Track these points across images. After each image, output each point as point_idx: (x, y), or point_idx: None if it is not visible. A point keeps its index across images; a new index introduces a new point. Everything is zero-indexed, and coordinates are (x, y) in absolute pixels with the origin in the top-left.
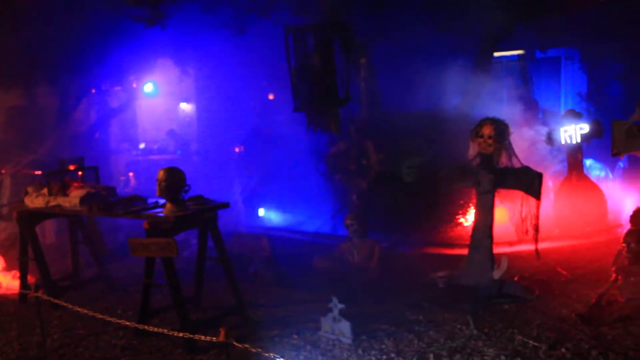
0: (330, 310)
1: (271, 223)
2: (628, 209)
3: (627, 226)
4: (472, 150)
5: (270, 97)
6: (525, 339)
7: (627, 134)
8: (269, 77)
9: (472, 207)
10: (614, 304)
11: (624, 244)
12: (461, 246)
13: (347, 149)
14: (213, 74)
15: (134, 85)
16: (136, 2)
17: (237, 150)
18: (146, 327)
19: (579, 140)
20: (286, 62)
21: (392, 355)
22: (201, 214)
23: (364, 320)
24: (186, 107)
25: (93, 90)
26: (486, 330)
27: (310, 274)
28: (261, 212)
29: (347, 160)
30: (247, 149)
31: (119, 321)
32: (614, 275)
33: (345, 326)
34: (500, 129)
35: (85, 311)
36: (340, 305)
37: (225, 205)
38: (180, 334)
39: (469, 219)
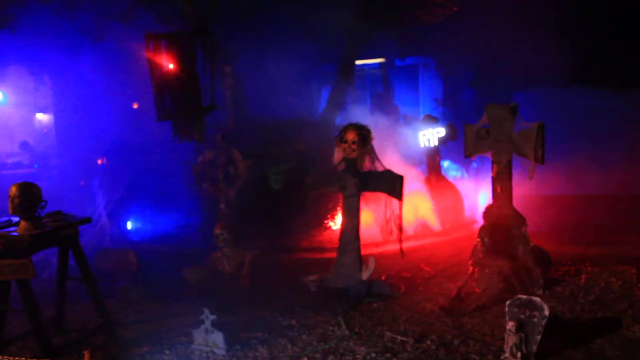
0: (202, 322)
1: (139, 236)
2: (481, 206)
3: (481, 222)
4: (337, 155)
5: (135, 106)
6: (393, 335)
7: (477, 137)
8: (132, 86)
9: (340, 211)
10: (472, 295)
11: (478, 239)
12: (330, 250)
13: (213, 158)
14: (72, 83)
15: None
16: None
17: (99, 162)
18: (1, 356)
19: (436, 143)
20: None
21: None
22: (60, 231)
23: (237, 329)
24: (43, 118)
25: None
26: (357, 330)
27: (181, 286)
28: (128, 225)
29: (215, 169)
30: (111, 161)
31: None
32: (471, 268)
33: (218, 337)
34: (363, 134)
35: None
36: (212, 317)
37: (87, 220)
38: None
39: (337, 222)
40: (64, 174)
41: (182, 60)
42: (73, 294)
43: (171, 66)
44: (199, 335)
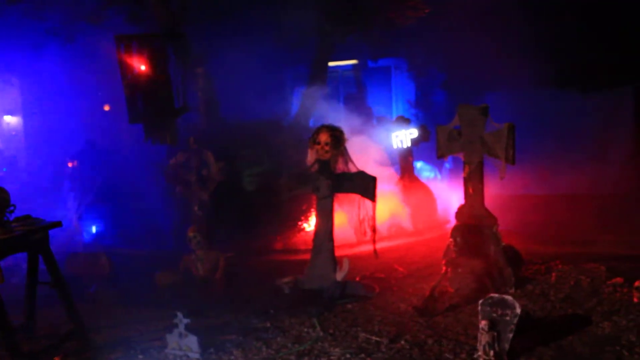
0: (176, 325)
1: (111, 240)
2: (454, 206)
3: (454, 222)
4: (310, 156)
5: (106, 108)
6: (368, 336)
7: (449, 138)
8: (104, 88)
9: (314, 213)
10: (445, 294)
11: (451, 239)
12: (304, 251)
13: (186, 160)
14: (41, 85)
15: None
16: None
17: (70, 165)
18: None
19: (409, 144)
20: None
21: None
22: (30, 236)
23: (211, 332)
24: (11, 120)
25: None
26: (331, 331)
27: (155, 290)
28: (100, 229)
29: (187, 171)
30: (82, 163)
31: None
32: (444, 268)
33: (192, 341)
34: (336, 135)
35: None
36: (186, 320)
37: (57, 224)
38: None
39: (311, 224)
40: (34, 177)
41: (154, 61)
42: (44, 299)
43: (143, 68)
44: (172, 340)
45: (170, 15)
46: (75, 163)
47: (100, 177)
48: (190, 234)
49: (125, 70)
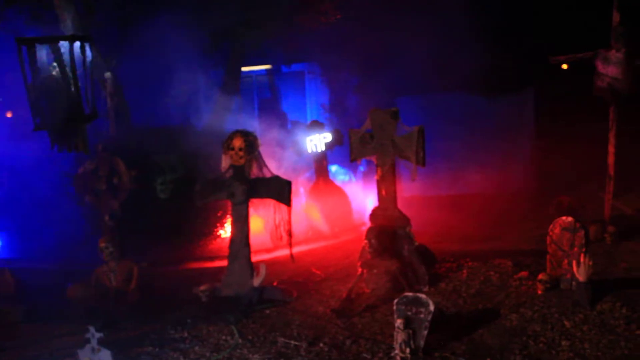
0: (88, 340)
1: (16, 254)
2: (369, 208)
3: (369, 224)
4: (225, 162)
5: (8, 114)
6: (286, 340)
7: (362, 141)
8: (6, 94)
9: (229, 219)
10: (362, 295)
11: (366, 241)
12: (221, 258)
13: (95, 168)
14: None
15: None
16: None
17: None
18: None
19: (323, 148)
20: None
21: None
22: None
23: (126, 345)
24: None
25: None
26: (250, 337)
27: (66, 305)
28: (3, 242)
29: (97, 180)
30: None
31: None
32: (360, 269)
33: (105, 355)
34: (250, 141)
35: None
36: (99, 334)
37: None
38: None
39: (227, 230)
40: None
41: (60, 65)
42: None
43: (48, 72)
44: (84, 355)
45: (77, 18)
46: None
47: (3, 188)
48: (102, 245)
49: (29, 75)
